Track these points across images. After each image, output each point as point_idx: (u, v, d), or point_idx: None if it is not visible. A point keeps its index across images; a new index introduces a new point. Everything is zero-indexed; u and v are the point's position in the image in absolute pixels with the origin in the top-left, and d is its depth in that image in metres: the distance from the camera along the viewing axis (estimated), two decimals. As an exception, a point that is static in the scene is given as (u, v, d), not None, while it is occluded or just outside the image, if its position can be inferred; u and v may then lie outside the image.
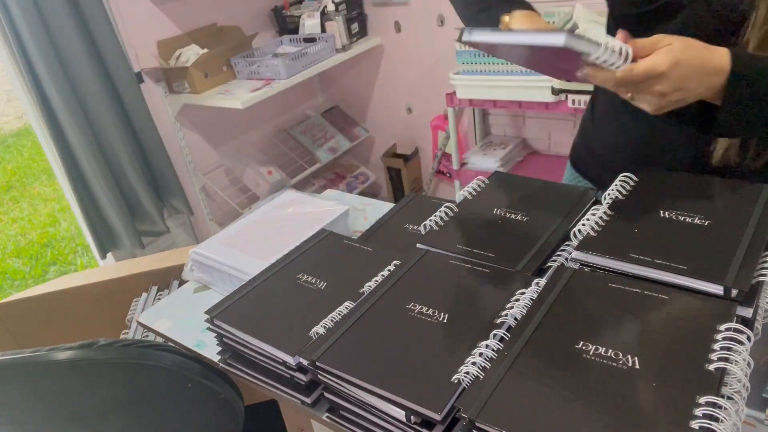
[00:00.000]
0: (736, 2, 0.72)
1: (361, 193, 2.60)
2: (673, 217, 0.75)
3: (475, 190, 0.95)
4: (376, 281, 0.78)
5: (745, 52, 0.71)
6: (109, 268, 1.32)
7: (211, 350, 0.86)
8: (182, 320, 0.96)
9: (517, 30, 0.75)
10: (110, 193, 2.16)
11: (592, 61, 0.67)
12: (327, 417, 0.71)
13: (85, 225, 2.22)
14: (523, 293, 0.69)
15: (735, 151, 0.81)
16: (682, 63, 0.66)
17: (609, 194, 0.82)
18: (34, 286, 1.34)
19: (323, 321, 0.72)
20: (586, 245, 0.73)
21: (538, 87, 2.00)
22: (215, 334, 0.81)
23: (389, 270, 0.80)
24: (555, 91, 1.72)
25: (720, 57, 0.68)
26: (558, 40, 0.65)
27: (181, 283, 1.08)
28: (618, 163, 0.89)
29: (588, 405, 0.53)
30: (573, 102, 1.97)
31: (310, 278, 0.83)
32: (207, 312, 0.79)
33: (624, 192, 0.82)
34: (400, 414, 0.61)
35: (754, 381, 0.56)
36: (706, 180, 0.82)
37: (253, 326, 0.75)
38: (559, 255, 0.77)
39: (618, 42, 0.67)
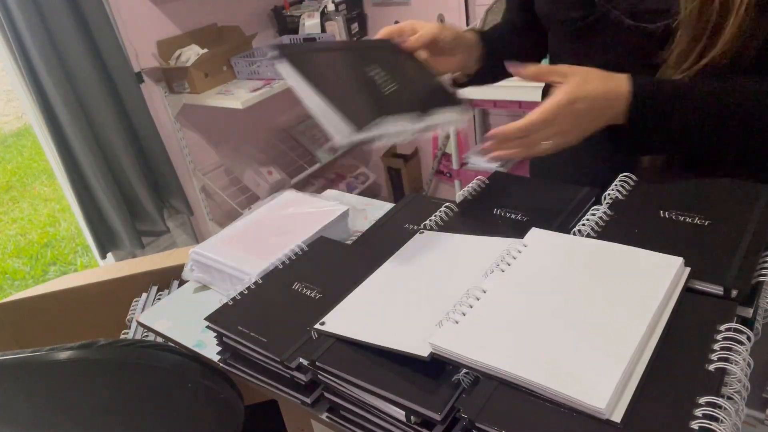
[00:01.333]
0: (658, 16, 0.72)
1: (361, 193, 2.60)
2: (673, 217, 0.75)
3: (475, 190, 0.95)
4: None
5: (645, 78, 0.71)
6: (109, 268, 1.31)
7: (211, 350, 0.86)
8: (182, 320, 0.96)
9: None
10: (110, 193, 2.16)
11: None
12: (327, 417, 0.71)
13: (85, 225, 2.22)
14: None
15: (661, 160, 0.82)
16: (578, 99, 0.68)
17: (609, 194, 0.82)
18: (34, 286, 1.34)
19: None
20: (586, 245, 0.72)
21: (538, 87, 1.99)
22: (215, 334, 0.81)
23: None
24: (555, 91, 1.73)
25: (620, 82, 0.69)
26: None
27: (181, 283, 1.08)
28: (571, 175, 0.90)
29: (588, 405, 0.53)
30: (573, 102, 1.97)
31: (305, 285, 0.83)
32: (206, 319, 0.80)
33: (624, 192, 0.82)
34: (400, 414, 0.61)
35: (754, 381, 0.56)
36: (706, 180, 0.81)
37: (255, 330, 0.76)
38: (559, 255, 0.77)
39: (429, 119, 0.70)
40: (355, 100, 0.70)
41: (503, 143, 0.71)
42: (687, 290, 0.64)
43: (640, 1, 0.73)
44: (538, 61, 1.00)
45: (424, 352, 0.61)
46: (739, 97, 0.69)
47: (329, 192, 1.31)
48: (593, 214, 0.77)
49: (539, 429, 0.52)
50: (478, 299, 0.65)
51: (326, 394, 0.70)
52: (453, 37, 0.88)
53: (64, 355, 0.82)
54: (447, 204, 0.91)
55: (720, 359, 0.55)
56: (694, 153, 0.79)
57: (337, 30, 2.52)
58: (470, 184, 0.95)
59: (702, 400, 0.51)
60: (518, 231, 0.77)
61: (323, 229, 0.99)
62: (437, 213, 0.89)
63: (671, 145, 0.74)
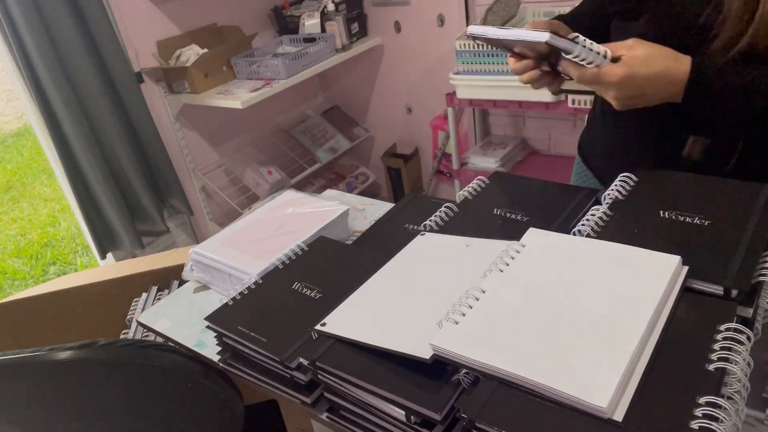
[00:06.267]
0: (698, 11, 0.76)
1: (361, 193, 2.60)
2: (673, 217, 0.75)
3: (475, 190, 0.95)
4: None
5: (706, 61, 0.75)
6: (109, 268, 1.31)
7: (211, 350, 0.86)
8: (182, 320, 0.96)
9: (512, 28, 0.80)
10: (110, 193, 2.16)
11: (570, 58, 0.76)
12: (327, 417, 0.71)
13: (85, 225, 2.22)
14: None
15: (700, 148, 0.86)
16: (636, 75, 0.73)
17: (609, 194, 0.82)
18: (34, 286, 1.34)
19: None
20: (586, 245, 0.72)
21: (538, 87, 2.00)
22: (215, 334, 0.81)
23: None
24: (555, 91, 1.73)
25: (681, 67, 0.74)
26: (542, 37, 0.74)
27: (181, 283, 1.08)
28: (617, 155, 0.97)
29: (588, 405, 0.53)
30: (573, 102, 1.97)
31: (305, 285, 0.83)
32: (206, 319, 0.80)
33: (624, 192, 0.82)
34: (400, 414, 0.61)
35: (754, 381, 0.56)
36: (705, 180, 0.81)
37: (255, 330, 0.76)
38: (559, 255, 0.77)
39: (594, 44, 0.74)
40: None
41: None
42: (687, 290, 0.64)
43: None
44: None
45: (425, 354, 0.61)
46: None
47: (329, 192, 1.31)
48: (593, 214, 0.77)
49: (539, 429, 0.52)
50: (477, 299, 0.65)
51: (326, 394, 0.70)
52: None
53: (64, 355, 0.82)
54: (447, 204, 0.91)
55: (720, 359, 0.55)
56: (737, 135, 0.83)
57: (337, 30, 2.52)
58: (470, 184, 0.95)
59: (702, 400, 0.51)
60: (518, 231, 0.77)
61: (323, 229, 0.99)
62: (437, 213, 0.89)
63: (719, 126, 0.80)
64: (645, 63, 0.74)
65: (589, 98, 1.91)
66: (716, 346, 0.56)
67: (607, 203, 0.80)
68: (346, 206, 1.05)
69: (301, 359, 0.68)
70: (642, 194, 0.81)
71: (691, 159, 0.87)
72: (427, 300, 0.70)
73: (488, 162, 2.40)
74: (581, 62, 0.75)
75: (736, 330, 0.57)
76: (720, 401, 0.51)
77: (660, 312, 0.61)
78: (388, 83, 2.85)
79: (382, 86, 2.89)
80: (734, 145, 0.84)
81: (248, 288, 0.84)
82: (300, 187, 2.80)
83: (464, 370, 0.59)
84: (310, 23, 2.56)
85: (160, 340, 0.95)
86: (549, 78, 0.87)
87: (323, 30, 2.55)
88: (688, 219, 0.74)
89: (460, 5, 2.42)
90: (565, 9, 2.07)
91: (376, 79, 2.89)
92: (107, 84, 2.09)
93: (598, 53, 0.74)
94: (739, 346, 0.55)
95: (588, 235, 0.74)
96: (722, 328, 0.58)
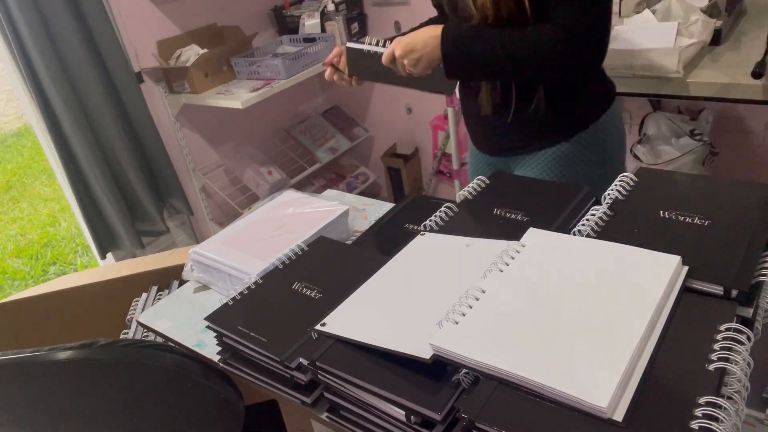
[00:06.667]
0: (463, 4, 1.03)
1: (361, 193, 2.59)
2: (673, 217, 0.75)
3: (475, 190, 0.95)
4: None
5: (452, 24, 1.02)
6: (109, 268, 1.31)
7: (211, 350, 0.86)
8: (182, 320, 0.96)
9: (364, 44, 1.11)
10: (110, 193, 2.16)
11: (365, 50, 1.09)
12: (327, 417, 0.71)
13: (85, 225, 2.22)
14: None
15: (487, 104, 1.11)
16: (404, 39, 1.02)
17: (609, 194, 0.82)
18: (34, 286, 1.34)
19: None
20: (586, 245, 0.72)
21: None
22: (215, 334, 0.81)
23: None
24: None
25: (437, 28, 1.01)
26: (350, 45, 1.11)
27: (181, 283, 1.08)
28: (468, 124, 1.26)
29: (588, 405, 0.53)
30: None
31: (305, 285, 0.83)
32: (206, 319, 0.80)
33: (624, 192, 0.82)
34: (400, 414, 0.61)
35: (754, 381, 0.56)
36: (705, 180, 0.82)
37: (255, 330, 0.75)
38: (559, 255, 0.77)
39: (375, 39, 1.08)
40: None
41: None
42: (687, 290, 0.64)
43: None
44: None
45: (426, 354, 0.61)
46: (508, 34, 0.98)
47: (329, 192, 1.31)
48: (593, 214, 0.77)
49: (539, 429, 0.52)
50: (477, 299, 0.65)
51: (326, 394, 0.70)
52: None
53: (64, 355, 0.82)
54: (447, 204, 0.91)
55: (720, 359, 0.55)
56: (490, 77, 1.08)
57: (337, 30, 2.52)
58: (470, 184, 0.95)
59: (702, 400, 0.51)
60: (518, 231, 0.77)
61: (323, 229, 0.99)
62: (437, 213, 0.89)
63: (474, 68, 1.02)
64: (409, 35, 1.03)
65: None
66: (716, 346, 0.56)
67: (607, 203, 0.80)
68: (346, 206, 1.05)
69: (301, 359, 0.68)
70: (642, 194, 0.81)
71: (485, 114, 1.13)
72: (427, 300, 0.70)
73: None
74: (380, 53, 1.05)
75: (736, 330, 0.57)
76: (720, 401, 0.51)
77: (660, 312, 0.61)
78: (388, 83, 2.85)
79: (382, 86, 2.88)
80: (510, 101, 1.09)
81: (248, 288, 0.84)
82: (300, 187, 2.80)
83: (464, 370, 0.59)
84: (310, 23, 2.56)
85: (160, 340, 0.95)
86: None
87: (323, 30, 2.55)
88: (688, 219, 0.74)
89: (460, 5, 2.42)
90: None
91: (376, 79, 2.88)
92: (107, 84, 2.09)
93: (378, 43, 1.07)
94: (739, 346, 0.55)
95: (588, 235, 0.74)
96: (722, 328, 0.58)
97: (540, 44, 0.95)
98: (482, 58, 0.99)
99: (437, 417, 0.58)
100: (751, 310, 0.62)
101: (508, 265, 0.70)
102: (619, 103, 1.16)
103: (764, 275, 0.64)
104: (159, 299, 1.20)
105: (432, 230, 0.86)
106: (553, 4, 0.96)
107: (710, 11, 1.59)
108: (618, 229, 0.75)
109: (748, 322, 0.60)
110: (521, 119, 1.10)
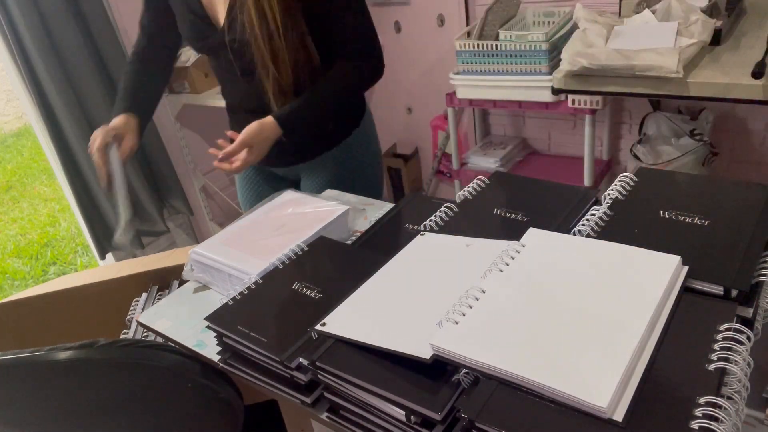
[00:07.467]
0: (244, 50, 1.16)
1: (361, 193, 2.59)
2: (673, 217, 0.75)
3: (475, 190, 0.95)
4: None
5: (282, 111, 1.17)
6: (109, 268, 1.31)
7: (211, 350, 0.86)
8: (182, 320, 0.96)
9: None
10: (110, 194, 2.16)
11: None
12: (327, 417, 0.71)
13: (85, 225, 2.23)
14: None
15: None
16: (248, 138, 1.14)
17: (609, 194, 0.82)
18: (34, 286, 1.34)
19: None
20: (586, 245, 0.72)
21: (538, 87, 2.00)
22: (215, 334, 0.81)
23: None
24: (555, 91, 1.72)
25: (268, 119, 1.15)
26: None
27: (181, 283, 1.08)
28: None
29: (588, 405, 0.53)
30: (573, 102, 1.97)
31: (305, 285, 0.83)
32: (206, 319, 0.80)
33: (624, 192, 0.82)
34: (400, 414, 0.61)
35: (754, 381, 0.56)
36: (705, 180, 0.82)
37: (255, 330, 0.75)
38: (559, 255, 0.77)
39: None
40: None
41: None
42: (687, 290, 0.64)
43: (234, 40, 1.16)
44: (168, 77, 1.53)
45: (426, 354, 0.61)
46: (327, 90, 1.19)
47: (329, 192, 1.31)
48: (593, 214, 0.77)
49: (539, 429, 0.52)
50: (477, 299, 0.65)
51: (326, 394, 0.70)
52: (121, 128, 1.39)
53: (64, 355, 0.82)
54: (447, 204, 0.91)
55: (720, 359, 0.55)
56: (319, 130, 1.29)
57: (337, 30, 2.52)
58: (470, 184, 0.95)
59: (702, 400, 0.51)
60: (518, 231, 0.77)
61: (323, 229, 0.99)
62: (437, 213, 0.89)
63: (308, 130, 1.22)
64: (248, 131, 1.15)
65: (590, 98, 1.91)
66: (716, 346, 0.56)
67: (607, 203, 0.80)
68: (346, 206, 1.05)
69: (301, 359, 0.68)
70: (642, 194, 0.81)
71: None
72: (427, 300, 0.70)
73: (488, 162, 2.40)
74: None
75: (736, 330, 0.57)
76: (720, 401, 0.51)
77: (660, 312, 0.61)
78: (388, 83, 2.85)
79: (382, 86, 2.89)
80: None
81: (248, 288, 0.84)
82: (300, 187, 2.79)
83: (464, 370, 0.59)
84: (310, 23, 2.55)
85: (160, 340, 0.95)
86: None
87: (323, 30, 2.55)
88: (688, 219, 0.74)
89: (460, 5, 2.42)
90: (565, 9, 2.07)
91: (376, 79, 2.88)
92: (107, 84, 2.09)
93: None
94: (739, 346, 0.55)
95: (588, 235, 0.74)
96: (722, 328, 0.58)
97: (354, 81, 1.19)
98: (315, 121, 1.20)
99: (437, 417, 0.58)
100: (751, 310, 0.62)
101: (508, 265, 0.70)
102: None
103: (764, 275, 0.64)
104: (159, 299, 1.20)
105: (432, 230, 0.86)
106: (340, 44, 1.16)
107: (710, 11, 1.59)
108: (618, 229, 0.75)
109: (748, 322, 0.60)
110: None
